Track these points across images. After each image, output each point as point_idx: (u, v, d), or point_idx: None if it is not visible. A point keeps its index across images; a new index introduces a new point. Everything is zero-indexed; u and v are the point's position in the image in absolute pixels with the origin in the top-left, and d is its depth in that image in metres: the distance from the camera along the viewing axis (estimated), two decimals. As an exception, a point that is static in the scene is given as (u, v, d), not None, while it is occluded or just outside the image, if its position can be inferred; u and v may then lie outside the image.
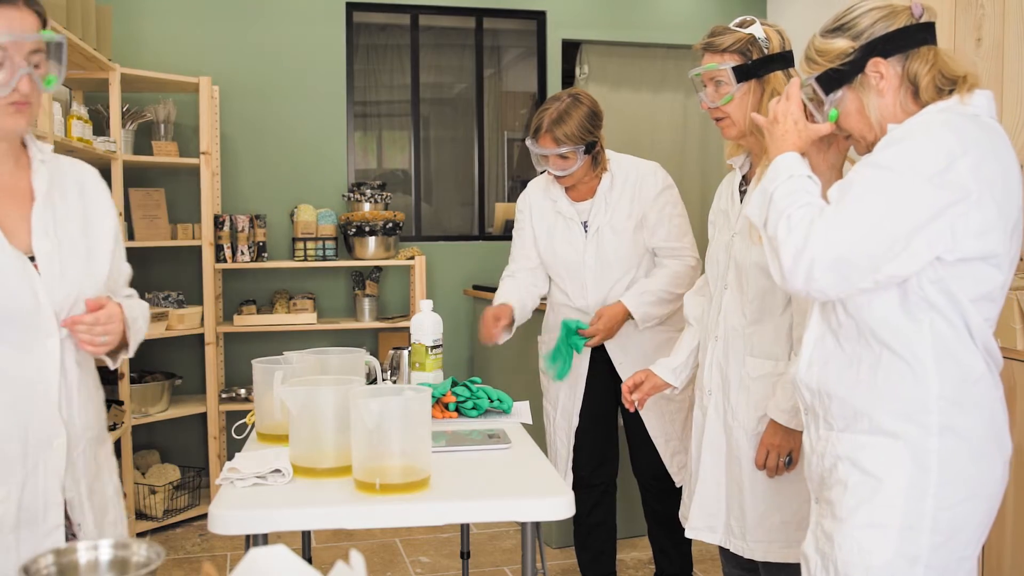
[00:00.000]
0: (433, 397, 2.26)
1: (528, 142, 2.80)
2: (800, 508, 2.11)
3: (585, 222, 2.87)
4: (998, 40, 2.70)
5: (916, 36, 1.61)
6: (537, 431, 2.49)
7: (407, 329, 3.47)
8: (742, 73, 2.10)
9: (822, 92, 1.67)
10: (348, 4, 4.80)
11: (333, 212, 4.57)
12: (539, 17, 5.10)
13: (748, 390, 2.16)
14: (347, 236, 4.52)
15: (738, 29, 2.13)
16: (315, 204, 4.63)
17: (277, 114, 4.68)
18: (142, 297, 4.45)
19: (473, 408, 2.31)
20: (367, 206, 4.53)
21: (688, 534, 2.28)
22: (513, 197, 5.40)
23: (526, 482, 1.80)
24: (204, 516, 3.91)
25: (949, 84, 1.61)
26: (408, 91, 4.99)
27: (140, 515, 3.99)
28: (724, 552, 2.30)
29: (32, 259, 1.58)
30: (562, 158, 2.74)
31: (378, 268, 4.65)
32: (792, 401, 2.03)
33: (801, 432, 2.03)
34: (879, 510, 1.54)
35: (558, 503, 1.67)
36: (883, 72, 1.61)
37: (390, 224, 4.50)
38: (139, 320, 1.76)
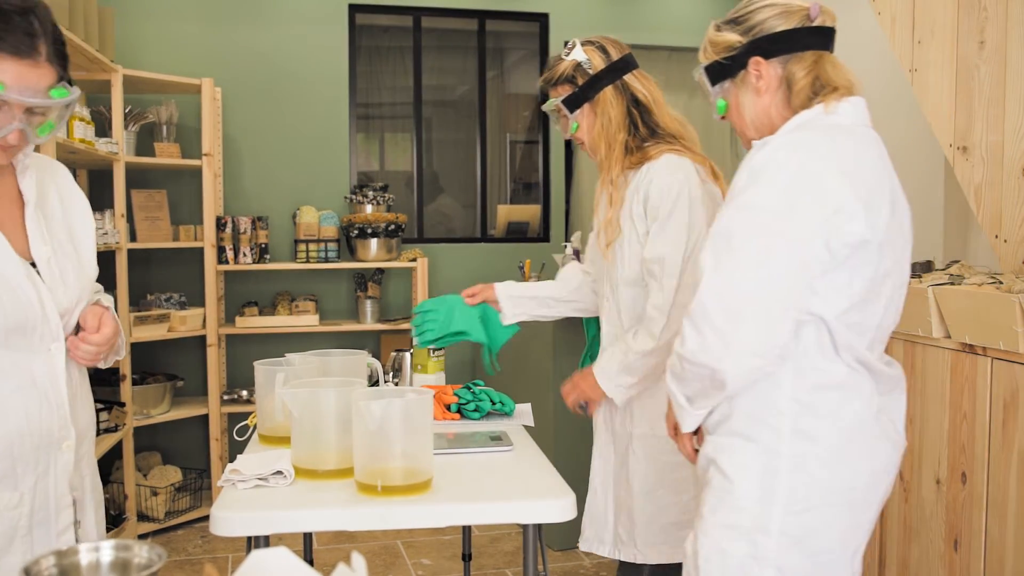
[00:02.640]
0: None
1: None
2: (685, 509, 2.13)
3: None
4: (1000, 43, 2.70)
5: (803, 40, 1.55)
6: (539, 433, 2.49)
7: (409, 331, 3.47)
8: (572, 103, 2.15)
9: (708, 82, 1.64)
10: (350, 6, 4.80)
11: (335, 214, 4.57)
12: (542, 19, 5.10)
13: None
14: (349, 238, 4.53)
15: (564, 58, 2.17)
16: (317, 206, 4.64)
17: (279, 116, 4.68)
18: (144, 299, 4.44)
19: (475, 410, 2.31)
20: (369, 208, 4.53)
21: (581, 546, 2.28)
22: (515, 199, 5.40)
23: (528, 484, 1.79)
24: (206, 518, 3.91)
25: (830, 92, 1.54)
26: (410, 93, 5.00)
27: (142, 517, 3.99)
28: None
29: (32, 265, 1.57)
30: None
31: (380, 270, 4.66)
32: (617, 370, 2.08)
33: (603, 394, 2.13)
34: (732, 512, 1.52)
35: (560, 505, 1.67)
36: (762, 72, 1.57)
37: (392, 226, 4.50)
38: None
